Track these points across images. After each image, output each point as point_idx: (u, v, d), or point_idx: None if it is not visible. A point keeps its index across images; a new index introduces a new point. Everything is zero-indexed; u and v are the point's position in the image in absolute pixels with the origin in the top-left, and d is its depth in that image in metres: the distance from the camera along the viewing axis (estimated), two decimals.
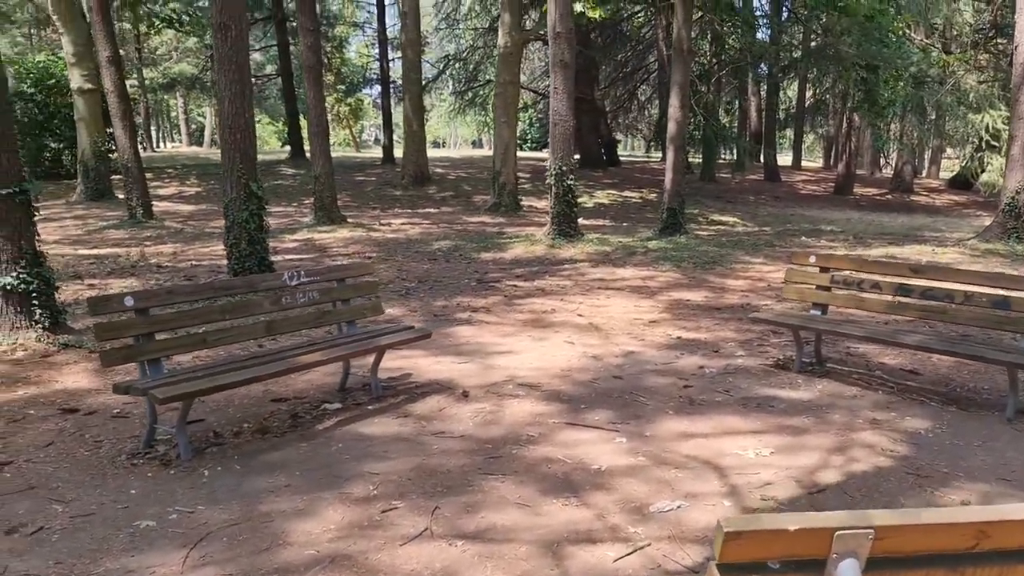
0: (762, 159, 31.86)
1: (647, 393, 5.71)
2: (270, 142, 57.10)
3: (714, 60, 24.14)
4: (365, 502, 3.91)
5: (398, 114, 40.51)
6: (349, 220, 17.05)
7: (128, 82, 32.13)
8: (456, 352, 6.89)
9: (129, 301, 4.39)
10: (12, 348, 6.39)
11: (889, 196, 28.91)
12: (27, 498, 3.93)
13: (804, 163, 41.01)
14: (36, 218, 6.68)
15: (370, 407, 5.36)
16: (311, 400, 5.50)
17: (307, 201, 19.95)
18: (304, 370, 4.95)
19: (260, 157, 32.74)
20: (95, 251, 13.10)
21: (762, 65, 27.98)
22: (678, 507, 3.87)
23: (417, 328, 5.79)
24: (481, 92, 35.31)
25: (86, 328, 7.20)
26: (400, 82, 29.94)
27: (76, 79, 20.21)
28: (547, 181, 14.02)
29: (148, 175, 26.21)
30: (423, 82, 26.94)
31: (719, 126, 24.62)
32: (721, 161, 33.27)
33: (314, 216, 16.88)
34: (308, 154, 22.10)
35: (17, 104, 25.49)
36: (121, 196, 18.98)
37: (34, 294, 6.54)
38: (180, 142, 59.89)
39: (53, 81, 24.87)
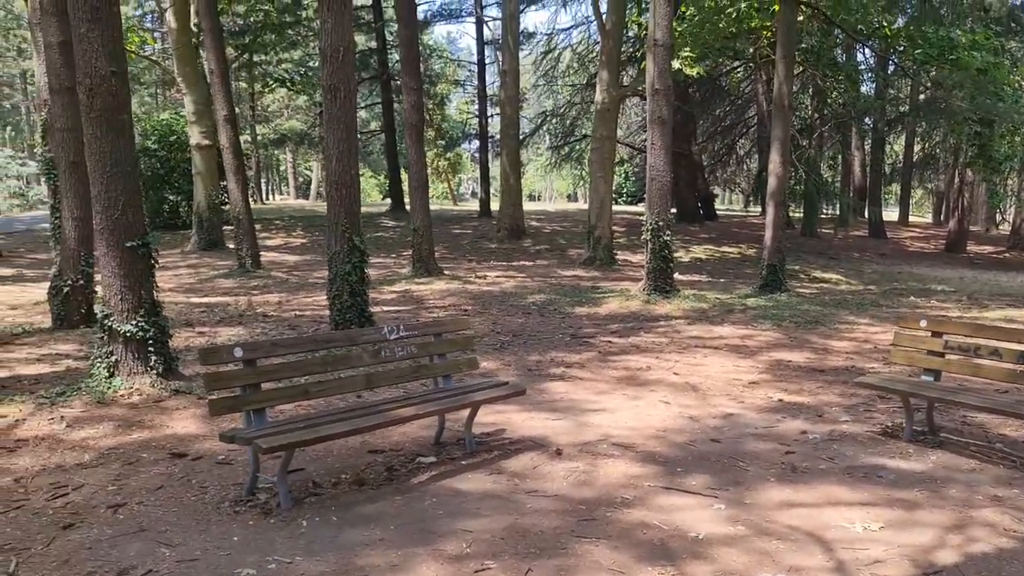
0: (866, 215, 30.91)
1: (747, 458, 5.53)
2: (372, 195, 59.03)
3: (816, 115, 23.72)
4: (458, 560, 3.90)
5: (495, 168, 41.32)
6: (446, 272, 17.36)
7: (242, 137, 33.91)
8: (550, 408, 6.86)
9: (238, 352, 4.57)
10: (129, 392, 6.72)
11: (1007, 254, 27.52)
12: (138, 540, 4.08)
13: (912, 219, 39.58)
14: (154, 268, 7.06)
15: (464, 462, 5.38)
16: (406, 453, 5.56)
17: (406, 253, 20.47)
18: (401, 423, 5.02)
19: (363, 209, 33.77)
20: (206, 299, 13.73)
21: (867, 119, 27.32)
22: None
23: (511, 384, 5.80)
24: (577, 147, 35.70)
25: (196, 375, 7.51)
26: (498, 137, 30.60)
27: (195, 136, 21.48)
28: (643, 236, 13.95)
29: (257, 226, 27.47)
30: (520, 137, 27.42)
31: (821, 181, 24.07)
32: (823, 216, 32.46)
33: (412, 268, 17.27)
34: (408, 207, 22.74)
35: (141, 159, 27.29)
36: (232, 246, 19.88)
37: (150, 341, 6.88)
38: (288, 195, 62.58)
39: (174, 138, 26.49)
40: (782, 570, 3.82)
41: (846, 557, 3.96)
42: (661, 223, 13.58)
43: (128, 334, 6.80)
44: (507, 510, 4.55)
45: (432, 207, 33.96)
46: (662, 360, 8.96)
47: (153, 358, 6.91)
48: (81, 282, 9.88)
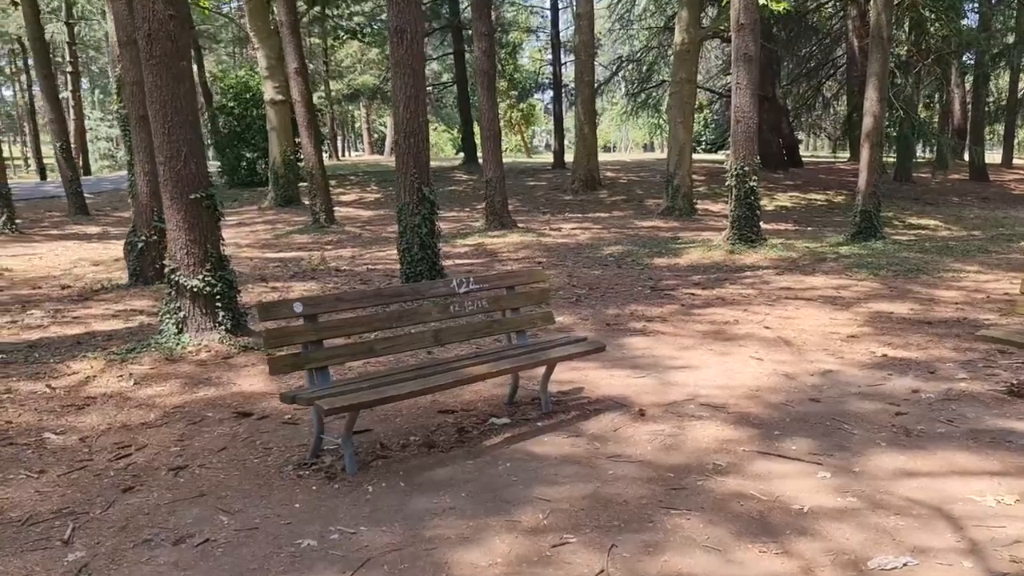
0: (967, 157, 29.04)
1: (852, 420, 5.01)
2: (445, 149, 58.81)
3: (913, 50, 22.18)
4: (535, 533, 3.55)
5: (569, 119, 40.44)
6: (519, 225, 16.96)
7: (316, 94, 33.94)
8: (631, 365, 6.43)
9: (298, 307, 4.28)
10: (197, 349, 6.58)
11: None
12: (197, 505, 3.87)
13: (1017, 161, 37.11)
14: (222, 222, 6.86)
15: (540, 424, 5.02)
16: (478, 413, 5.22)
17: (479, 206, 20.11)
18: (472, 383, 4.67)
19: (435, 164, 33.50)
20: (280, 255, 13.68)
21: (968, 53, 25.47)
22: (904, 565, 3.23)
23: (590, 340, 5.38)
24: (654, 94, 34.53)
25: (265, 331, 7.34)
26: (572, 85, 29.77)
27: (269, 91, 21.42)
28: (727, 183, 13.23)
29: (332, 182, 27.51)
30: (595, 84, 26.55)
31: (918, 121, 22.58)
32: (918, 160, 30.69)
33: (485, 221, 16.92)
34: (481, 160, 22.36)
35: (220, 118, 27.56)
36: (307, 202, 19.86)
37: (217, 297, 6.71)
38: (363, 151, 62.93)
39: (250, 95, 26.58)
40: (905, 550, 3.34)
41: (979, 536, 3.45)
42: (747, 168, 12.83)
43: (195, 289, 6.63)
44: (587, 477, 4.17)
45: (505, 160, 33.44)
46: (751, 313, 8.39)
47: (221, 314, 6.74)
48: (155, 237, 9.84)
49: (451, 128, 57.34)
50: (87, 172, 44.30)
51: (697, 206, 19.88)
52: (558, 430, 4.89)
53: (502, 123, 51.27)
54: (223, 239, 6.91)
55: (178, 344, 6.63)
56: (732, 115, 12.98)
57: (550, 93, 37.02)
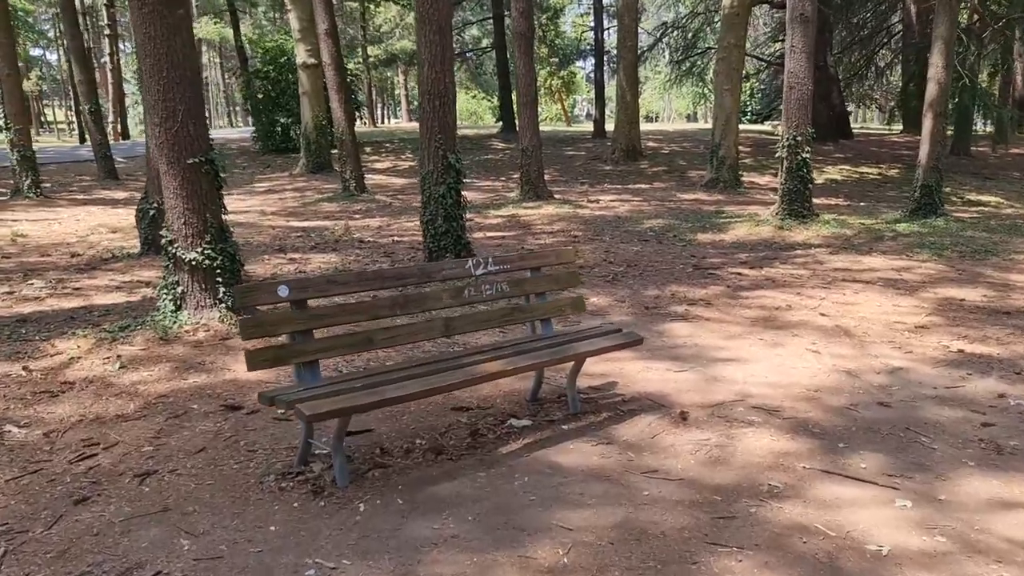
0: None
1: (930, 431, 4.28)
2: (484, 118, 57.88)
3: (980, 12, 20.81)
4: (551, 574, 2.92)
5: (611, 89, 39.31)
6: (556, 196, 16.23)
7: (352, 60, 33.28)
8: (671, 356, 5.74)
9: (283, 291, 3.67)
10: (194, 328, 6.04)
11: None
12: (157, 524, 3.30)
13: None
14: (222, 188, 6.27)
15: (565, 426, 4.37)
16: (496, 412, 4.59)
17: (515, 176, 19.38)
18: (486, 381, 4.03)
19: (472, 132, 32.77)
20: (305, 223, 13.15)
21: None
22: None
23: (625, 332, 4.70)
24: (699, 62, 33.38)
25: (272, 307, 6.78)
26: (615, 52, 28.75)
27: (301, 54, 20.82)
28: (777, 153, 12.35)
29: (367, 149, 26.99)
30: (638, 50, 25.50)
31: (981, 91, 21.26)
32: (975, 133, 29.20)
33: (520, 191, 16.22)
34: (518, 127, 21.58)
35: (255, 82, 27.07)
36: (338, 169, 19.30)
37: (218, 271, 6.15)
38: (401, 118, 62.29)
39: (285, 59, 25.99)
40: None
41: None
42: (799, 138, 11.93)
43: (194, 262, 6.08)
44: (618, 498, 3.52)
45: (545, 128, 32.57)
46: (804, 297, 7.63)
47: (222, 290, 6.18)
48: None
49: (490, 95, 56.35)
50: (125, 136, 44.28)
51: (743, 178, 18.93)
52: (586, 435, 4.25)
53: (542, 91, 50.19)
54: (225, 208, 6.33)
55: (175, 322, 6.10)
56: (785, 81, 12.06)
57: (592, 60, 35.95)
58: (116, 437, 4.21)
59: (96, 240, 11.00)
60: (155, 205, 9.31)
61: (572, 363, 4.46)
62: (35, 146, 16.32)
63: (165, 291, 6.23)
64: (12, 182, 16.02)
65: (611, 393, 4.94)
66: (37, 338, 5.90)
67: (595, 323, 6.51)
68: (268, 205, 16.27)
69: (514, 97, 29.22)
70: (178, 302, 6.20)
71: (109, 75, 41.26)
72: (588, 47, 39.05)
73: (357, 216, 14.21)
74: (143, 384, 5.01)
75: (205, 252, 6.09)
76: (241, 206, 16.18)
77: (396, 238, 11.41)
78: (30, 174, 15.92)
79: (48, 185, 18.35)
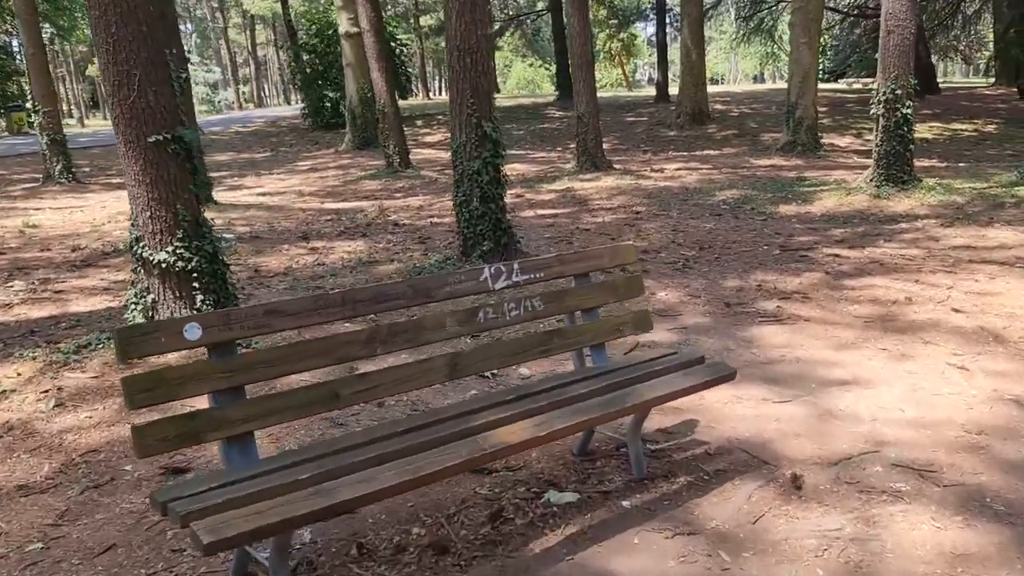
0: None
1: None
2: (543, 86, 56.06)
3: None
4: None
5: (674, 51, 37.25)
6: (616, 166, 14.75)
7: (401, 30, 32.08)
8: (766, 377, 4.37)
9: (193, 332, 2.44)
10: None
11: None
12: None
13: None
14: (196, 172, 5.10)
15: (626, 502, 3.06)
16: (528, 478, 3.30)
17: (571, 145, 17.95)
18: (505, 456, 2.74)
19: (530, 100, 31.25)
20: (340, 205, 12.02)
21: None
22: None
23: (711, 364, 3.34)
24: (768, 17, 31.25)
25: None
26: (678, 10, 26.89)
27: (343, 23, 19.67)
28: (872, 110, 10.66)
29: (418, 122, 25.81)
30: (703, 5, 23.62)
31: None
32: None
33: (576, 162, 14.80)
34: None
35: (303, 56, 26.12)
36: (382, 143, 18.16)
37: (194, 274, 4.98)
38: None
39: (331, 31, 24.91)
40: None
41: None
42: (899, 91, 10.23)
43: (164, 265, 4.93)
44: None
45: (604, 94, 30.86)
46: (925, 286, 6.12)
47: (199, 297, 5.02)
48: None
49: (548, 63, 54.42)
50: None
51: (822, 140, 17.11)
52: (658, 517, 2.94)
53: (601, 55, 48.17)
54: (203, 196, 5.15)
55: None
56: (882, 24, 10.34)
57: (653, 21, 33.96)
58: (1, 524, 3.06)
59: (109, 230, 10.05)
60: None
61: (634, 415, 3.14)
62: (86, 128, 15.56)
63: (134, 300, 5.11)
64: (44, 167, 15.29)
65: (689, 440, 3.61)
66: None
67: (663, 338, 5.16)
68: (307, 184, 15.22)
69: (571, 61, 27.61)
70: (148, 313, 5.07)
71: None
72: (649, 6, 37.04)
73: (398, 195, 13.02)
74: (74, 432, 3.87)
75: (177, 252, 4.93)
76: (279, 186, 15.18)
77: (436, 219, 10.17)
78: (61, 159, 15.15)
79: (87, 169, 17.68)
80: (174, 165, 4.90)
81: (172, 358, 4.65)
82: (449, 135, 16.23)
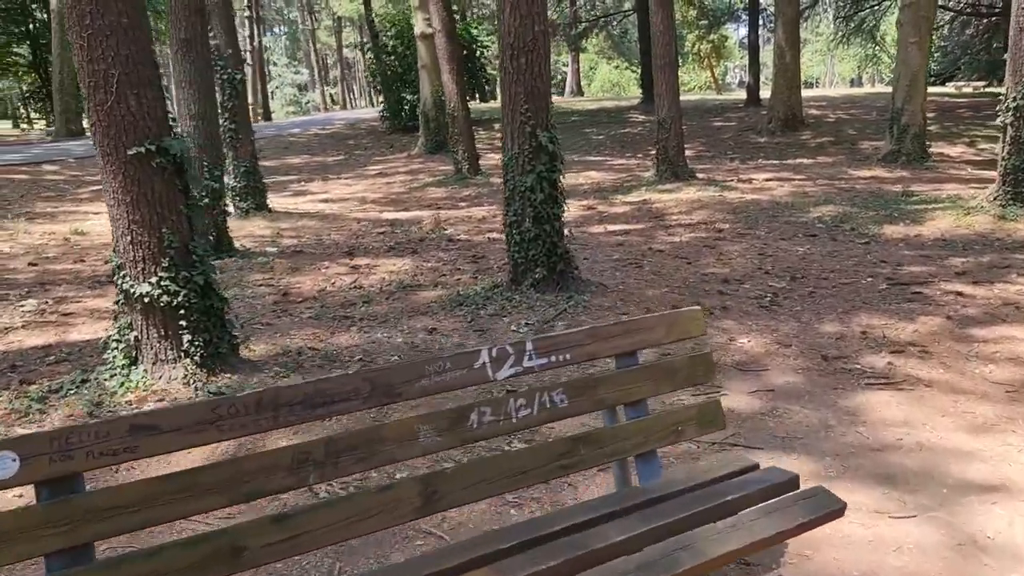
0: None
1: None
2: (628, 89, 54.69)
3: None
4: None
5: (766, 54, 35.48)
6: (699, 175, 13.61)
7: (484, 29, 31.45)
8: (879, 472, 3.32)
9: (6, 466, 1.60)
10: (141, 396, 4.15)
11: None
12: None
13: None
14: (188, 190, 4.34)
15: None
16: None
17: (652, 152, 16.87)
18: None
19: (613, 104, 30.16)
20: (399, 215, 11.28)
21: None
22: None
23: (811, 497, 2.33)
24: (869, 18, 29.39)
25: (267, 359, 4.83)
26: (771, 10, 25.38)
27: (419, 23, 19.11)
28: (999, 119, 9.28)
29: (496, 126, 25.06)
30: (799, 6, 22.10)
31: None
32: None
33: (656, 171, 13.72)
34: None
35: (382, 58, 25.77)
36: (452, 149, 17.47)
37: (181, 310, 4.23)
38: None
39: (411, 32, 24.46)
40: None
41: None
42: None
43: (147, 299, 4.19)
44: None
45: (691, 98, 29.52)
46: None
47: (186, 338, 4.26)
48: (206, 199, 7.63)
49: (634, 65, 53.00)
50: (267, 118, 44.65)
51: (930, 149, 15.53)
52: None
53: (689, 57, 46.56)
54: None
55: (123, 384, 4.25)
56: (1012, 22, 8.97)
57: (746, 22, 32.35)
58: None
59: None
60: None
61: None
62: None
63: (116, 338, 4.39)
64: None
65: None
66: None
67: (741, 406, 4.15)
68: (373, 191, 14.60)
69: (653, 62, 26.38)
70: (132, 354, 4.35)
71: (249, 56, 41.40)
72: (742, 6, 35.37)
73: (462, 204, 12.22)
74: None
75: (162, 284, 4.18)
76: (344, 192, 14.61)
77: (495, 235, 9.30)
78: None
79: None
80: (159, 182, 4.16)
81: None
82: None
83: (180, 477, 1.77)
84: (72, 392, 4.25)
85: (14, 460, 1.62)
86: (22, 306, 6.28)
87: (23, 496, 3.18)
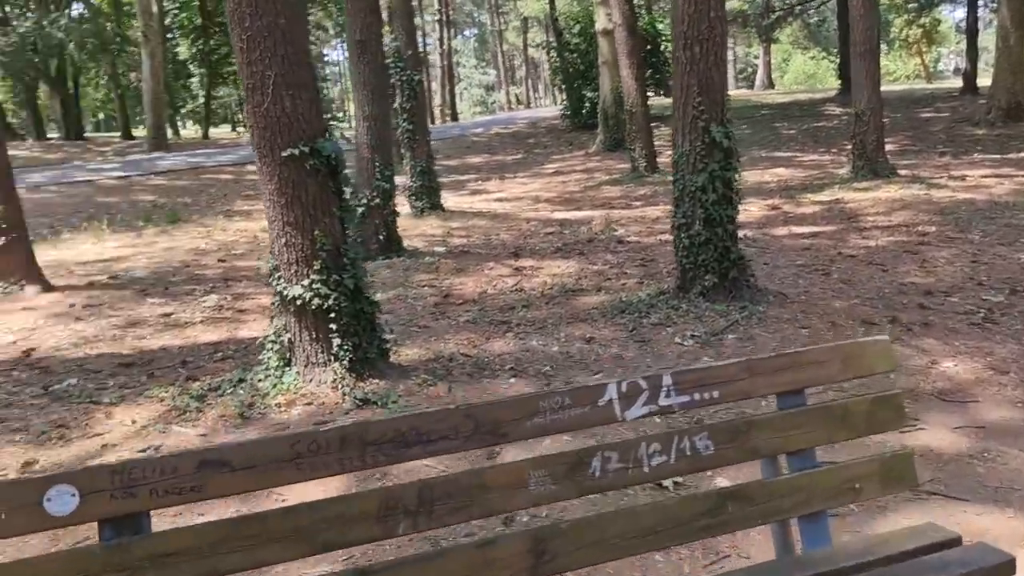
0: None
1: None
2: (826, 81, 51.53)
3: None
4: None
5: (986, 38, 32.14)
6: (901, 172, 12.35)
7: (667, 23, 30.63)
8: None
9: (64, 503, 1.47)
10: (294, 398, 4.13)
11: None
12: None
13: None
14: (342, 192, 4.29)
15: None
16: None
17: (848, 147, 15.61)
18: None
19: (807, 96, 28.51)
20: (570, 214, 11.05)
21: None
22: None
23: None
24: None
25: (418, 364, 4.70)
26: None
27: (600, 18, 18.87)
28: None
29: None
30: None
31: None
32: None
33: (851, 167, 12.61)
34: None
35: (565, 55, 25.78)
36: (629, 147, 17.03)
37: (331, 314, 4.18)
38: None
39: (593, 29, 24.26)
40: None
41: None
42: None
43: (299, 301, 4.17)
44: None
45: (895, 87, 27.28)
46: None
47: (336, 341, 4.21)
48: (377, 200, 7.73)
49: (832, 54, 49.74)
50: (454, 118, 46.03)
51: None
52: None
53: (896, 43, 43.11)
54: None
55: (275, 386, 4.26)
56: None
57: (962, 3, 29.42)
58: None
59: None
60: (364, 201, 7.75)
61: None
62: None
63: (272, 339, 4.42)
64: None
65: None
66: (105, 399, 4.39)
67: (942, 443, 3.53)
68: (547, 189, 14.48)
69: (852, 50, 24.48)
70: (286, 355, 4.36)
71: (439, 58, 42.84)
72: None
73: (636, 203, 11.79)
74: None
75: (314, 287, 4.15)
76: (519, 191, 14.59)
77: (669, 236, 8.81)
78: None
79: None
80: (313, 184, 4.12)
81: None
82: None
83: (252, 522, 1.58)
84: (228, 392, 4.32)
85: (73, 495, 1.48)
86: (204, 301, 6.60)
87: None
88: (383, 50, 8.17)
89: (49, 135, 32.14)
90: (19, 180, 16.26)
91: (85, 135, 32.73)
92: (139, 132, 32.26)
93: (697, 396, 1.93)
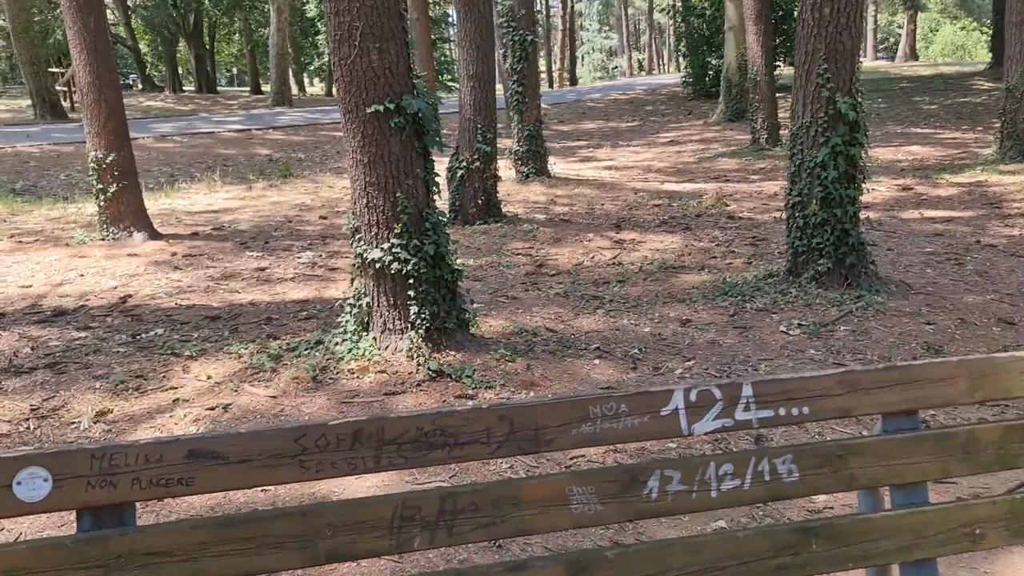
0: None
1: None
2: (975, 54, 47.85)
3: None
4: None
5: None
6: None
7: None
8: None
9: (35, 488, 1.31)
10: (364, 366, 3.99)
11: None
12: None
13: None
14: (428, 154, 4.08)
15: None
16: None
17: (996, 125, 14.32)
18: None
19: (953, 69, 26.64)
20: (680, 186, 10.56)
21: None
22: None
23: None
24: None
25: (499, 337, 4.48)
26: None
27: None
28: None
29: None
30: None
31: None
32: None
33: (998, 147, 11.54)
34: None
35: (690, 20, 24.85)
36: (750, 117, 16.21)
37: (410, 280, 4.00)
38: (864, 56, 54.60)
39: None
40: None
41: None
42: None
43: (378, 265, 4.02)
44: None
45: None
46: None
47: (413, 308, 4.04)
48: (477, 163, 7.53)
49: (984, 25, 45.99)
50: (573, 82, 45.34)
51: None
52: None
53: None
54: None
55: (351, 350, 4.14)
56: None
57: None
58: None
59: None
60: (464, 163, 7.57)
61: None
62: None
63: (351, 302, 4.30)
64: None
65: None
66: (186, 352, 4.38)
67: None
68: (660, 159, 13.95)
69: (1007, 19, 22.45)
70: (364, 320, 4.23)
71: (560, 21, 42.16)
72: None
73: (754, 177, 11.16)
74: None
75: (393, 251, 3.98)
76: (630, 159, 14.12)
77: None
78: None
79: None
80: (396, 143, 3.93)
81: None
82: None
83: (244, 522, 1.39)
84: (305, 353, 4.24)
85: (46, 480, 1.33)
86: (299, 258, 6.59)
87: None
88: (492, 7, 7.90)
89: (185, 88, 33.56)
90: (147, 129, 17.00)
91: (217, 88, 34.01)
92: (267, 88, 33.28)
93: (783, 411, 1.62)
